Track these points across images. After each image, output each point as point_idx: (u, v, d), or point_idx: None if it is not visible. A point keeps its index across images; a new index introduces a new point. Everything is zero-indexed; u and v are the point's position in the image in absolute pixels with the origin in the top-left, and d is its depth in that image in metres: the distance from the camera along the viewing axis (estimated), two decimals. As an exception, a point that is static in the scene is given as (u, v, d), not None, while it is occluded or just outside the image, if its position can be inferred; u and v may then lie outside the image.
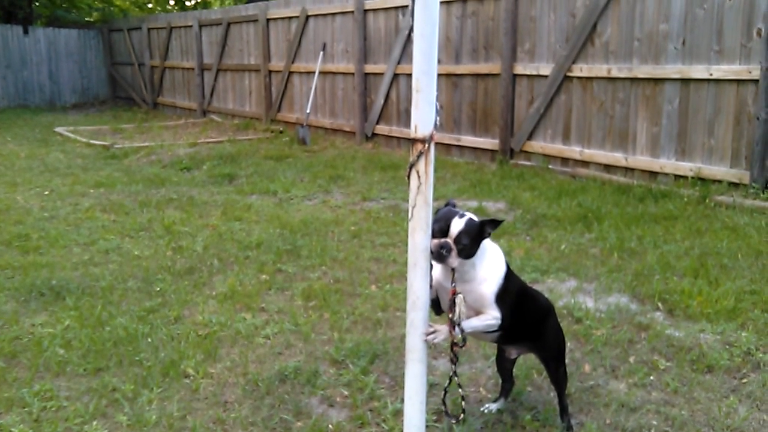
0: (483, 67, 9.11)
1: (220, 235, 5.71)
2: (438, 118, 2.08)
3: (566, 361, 2.91)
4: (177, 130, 14.07)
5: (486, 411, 2.92)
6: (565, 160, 8.21)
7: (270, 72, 13.75)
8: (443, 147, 9.82)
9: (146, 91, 19.36)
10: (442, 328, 2.31)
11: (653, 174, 7.25)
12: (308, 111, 12.19)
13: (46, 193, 7.60)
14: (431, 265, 2.27)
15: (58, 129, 14.12)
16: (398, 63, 10.47)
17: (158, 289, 4.41)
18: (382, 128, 11.05)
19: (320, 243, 5.40)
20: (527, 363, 3.24)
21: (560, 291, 4.32)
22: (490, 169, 8.62)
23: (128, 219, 6.33)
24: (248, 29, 14.34)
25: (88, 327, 3.77)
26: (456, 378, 2.46)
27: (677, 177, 7.01)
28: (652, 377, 3.19)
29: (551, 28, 8.24)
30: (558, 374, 2.73)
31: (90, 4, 23.40)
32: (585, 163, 7.95)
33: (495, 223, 2.37)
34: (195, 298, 4.25)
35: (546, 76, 8.30)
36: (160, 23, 18.12)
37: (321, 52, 12.02)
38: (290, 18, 12.88)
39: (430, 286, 2.26)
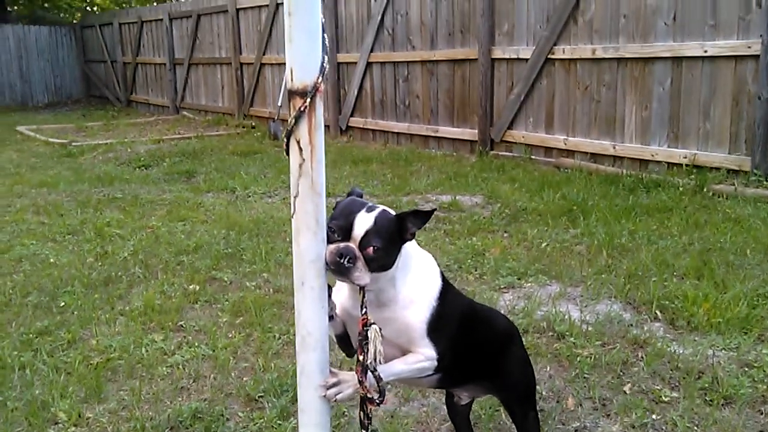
0: (459, 52, 8.43)
1: (157, 238, 5.01)
2: (327, 57, 1.34)
3: (544, 394, 2.23)
4: (145, 127, 13.39)
5: (437, 465, 2.24)
6: (548, 150, 7.55)
7: (241, 65, 13.08)
8: (420, 139, 9.19)
9: (119, 88, 18.63)
10: (349, 377, 1.59)
11: (644, 162, 6.60)
12: (280, 104, 11.47)
13: (-20, 194, 6.89)
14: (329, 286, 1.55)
15: (20, 128, 13.45)
16: (371, 51, 9.79)
17: (62, 304, 3.70)
18: (356, 120, 10.38)
19: (267, 245, 4.71)
20: (492, 399, 2.56)
21: (540, 297, 3.65)
22: (469, 161, 7.95)
23: (59, 221, 5.63)
24: (218, 21, 13.65)
25: (-41, 355, 3.07)
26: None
27: (670, 165, 6.37)
28: (654, 415, 2.49)
29: (531, 7, 7.56)
30: (527, 422, 2.01)
31: (70, 3, 22.55)
32: (570, 153, 7.29)
33: (422, 216, 1.62)
34: (102, 315, 3.54)
35: (526, 60, 7.62)
36: (131, 17, 17.42)
37: (291, 42, 11.30)
38: (260, 7, 12.22)
39: (331, 316, 1.53)
